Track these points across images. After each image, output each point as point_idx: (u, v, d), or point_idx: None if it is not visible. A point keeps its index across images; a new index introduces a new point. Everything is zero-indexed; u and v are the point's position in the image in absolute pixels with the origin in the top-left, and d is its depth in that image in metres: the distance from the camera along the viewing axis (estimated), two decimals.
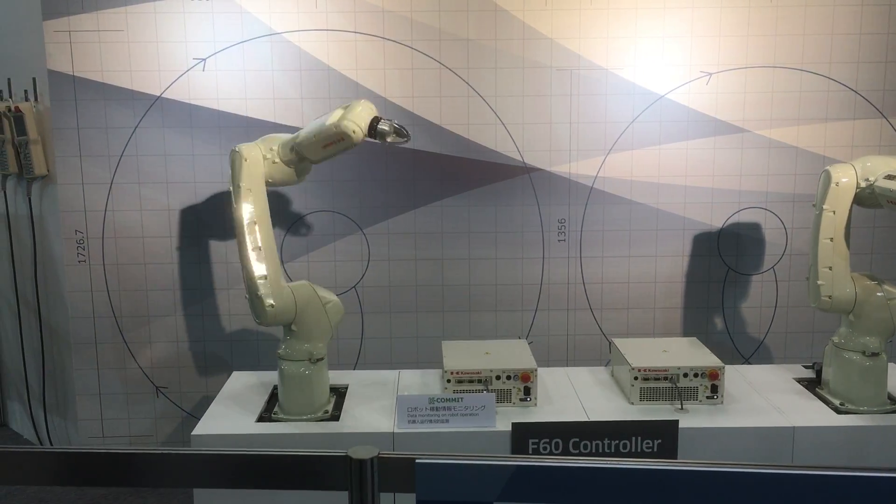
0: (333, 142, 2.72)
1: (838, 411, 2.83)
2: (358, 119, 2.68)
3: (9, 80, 3.75)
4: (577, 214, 3.59)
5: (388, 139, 2.73)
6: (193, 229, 3.56)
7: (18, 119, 3.61)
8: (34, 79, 3.62)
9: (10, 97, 3.75)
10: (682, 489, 1.36)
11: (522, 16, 3.44)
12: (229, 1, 3.40)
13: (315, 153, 2.78)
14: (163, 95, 3.44)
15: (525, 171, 3.55)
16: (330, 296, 2.88)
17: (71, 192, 3.51)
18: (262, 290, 2.73)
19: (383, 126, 2.71)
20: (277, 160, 2.81)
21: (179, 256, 3.58)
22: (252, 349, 3.64)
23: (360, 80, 3.46)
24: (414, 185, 3.55)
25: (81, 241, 3.54)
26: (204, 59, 3.44)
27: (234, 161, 2.77)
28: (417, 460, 1.37)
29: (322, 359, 2.84)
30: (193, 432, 2.76)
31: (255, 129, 3.43)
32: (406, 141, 2.79)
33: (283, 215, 3.53)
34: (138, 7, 3.38)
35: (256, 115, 3.46)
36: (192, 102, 3.46)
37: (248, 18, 3.41)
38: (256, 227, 2.75)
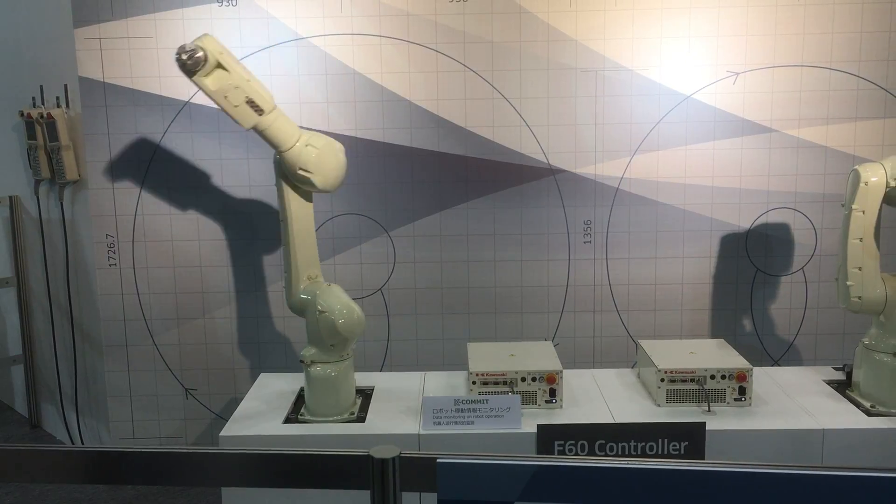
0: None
1: (869, 413, 2.79)
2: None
3: (41, 87, 3.82)
4: (602, 216, 3.58)
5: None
6: (221, 232, 3.60)
7: (50, 125, 3.68)
8: (65, 85, 3.69)
9: (43, 104, 3.82)
10: (704, 490, 1.35)
11: (546, 17, 3.44)
12: (256, 7, 3.43)
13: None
14: (191, 101, 3.49)
15: (550, 172, 3.55)
16: (333, 308, 2.78)
17: (102, 197, 3.57)
18: (285, 283, 2.94)
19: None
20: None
21: (208, 259, 3.61)
22: (280, 351, 3.67)
23: (385, 84, 3.48)
24: (439, 187, 3.57)
25: (112, 245, 3.60)
26: None
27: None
28: (439, 460, 1.38)
29: (304, 362, 2.85)
30: (221, 433, 2.79)
31: None
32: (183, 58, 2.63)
33: None
34: (166, 14, 3.43)
35: None
36: None
37: (275, 24, 3.45)
38: (285, 223, 2.89)
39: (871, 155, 3.49)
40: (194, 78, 2.66)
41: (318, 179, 2.81)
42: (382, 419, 2.85)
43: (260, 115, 2.73)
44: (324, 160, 2.81)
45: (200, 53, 2.62)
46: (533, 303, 3.65)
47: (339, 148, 2.88)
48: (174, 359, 3.68)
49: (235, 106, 2.70)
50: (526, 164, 3.54)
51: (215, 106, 3.47)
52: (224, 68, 2.68)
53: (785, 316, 3.66)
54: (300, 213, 2.89)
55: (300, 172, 2.79)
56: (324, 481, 1.51)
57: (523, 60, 3.47)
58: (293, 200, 2.88)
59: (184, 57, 2.62)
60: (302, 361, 2.85)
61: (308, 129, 3.43)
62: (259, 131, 2.78)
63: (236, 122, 2.74)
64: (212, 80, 2.68)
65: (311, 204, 2.94)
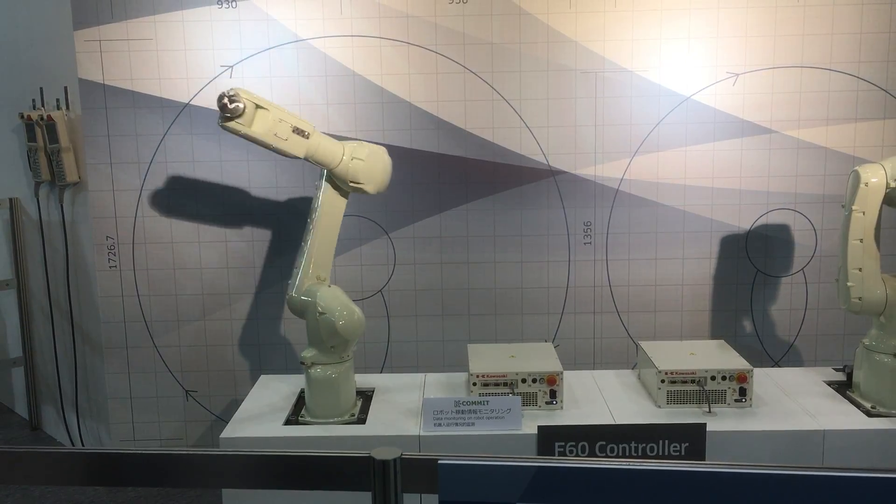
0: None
1: (869, 414, 2.79)
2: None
3: (41, 89, 3.82)
4: (602, 217, 3.58)
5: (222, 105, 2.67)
6: (221, 235, 3.60)
7: (50, 127, 3.68)
8: (65, 87, 3.69)
9: (43, 106, 3.82)
10: (705, 491, 1.35)
11: (546, 19, 3.44)
12: (256, 8, 3.44)
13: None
14: (191, 102, 3.49)
15: (550, 174, 3.55)
16: (334, 309, 2.77)
17: (102, 199, 3.57)
18: (291, 279, 2.93)
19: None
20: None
21: (208, 261, 3.61)
22: (280, 353, 3.67)
23: (385, 85, 3.48)
24: (439, 189, 3.57)
25: (112, 247, 3.60)
26: (231, 67, 3.48)
27: None
28: (440, 461, 1.38)
29: (304, 364, 2.85)
30: (222, 435, 2.79)
31: None
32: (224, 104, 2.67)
33: None
34: (166, 16, 3.44)
35: None
36: None
37: (275, 25, 3.45)
38: (309, 223, 2.94)
39: (870, 156, 3.49)
40: (236, 126, 2.68)
41: (370, 188, 2.91)
42: (383, 421, 2.85)
43: (307, 139, 2.79)
44: (372, 169, 2.89)
45: (241, 104, 2.66)
46: (533, 304, 3.65)
47: (383, 151, 2.95)
48: (174, 360, 3.68)
49: (285, 139, 2.75)
50: (526, 165, 3.54)
51: (214, 108, 3.49)
52: (263, 108, 2.73)
53: (785, 317, 3.66)
54: (332, 214, 2.94)
55: (353, 185, 2.89)
56: (325, 483, 1.51)
57: (523, 62, 3.47)
58: (331, 200, 2.92)
59: (225, 101, 2.65)
60: (302, 363, 2.86)
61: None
62: (309, 156, 2.82)
63: (289, 155, 2.79)
64: (258, 124, 2.72)
65: (344, 206, 2.98)
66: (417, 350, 3.68)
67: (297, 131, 2.76)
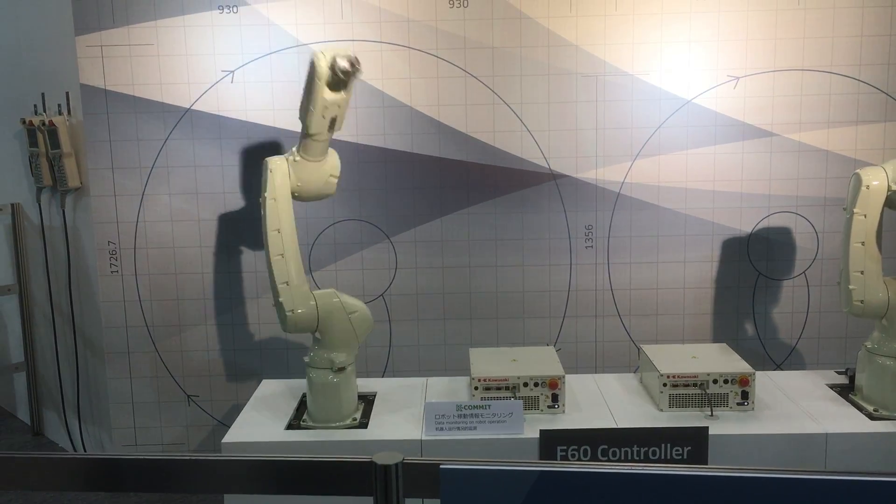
0: (309, 85, 2.77)
1: (872, 417, 2.79)
2: (326, 52, 2.76)
3: (42, 94, 3.83)
4: (604, 220, 3.58)
5: (345, 68, 2.72)
6: (223, 239, 3.60)
7: (52, 133, 3.68)
8: (67, 93, 3.69)
9: (44, 111, 3.82)
10: (707, 494, 1.35)
11: (547, 23, 3.44)
12: (257, 13, 3.44)
13: (305, 112, 2.82)
14: (192, 107, 3.49)
15: (551, 177, 3.55)
16: (357, 305, 2.90)
17: (104, 204, 3.57)
18: (283, 297, 2.79)
19: (341, 62, 2.72)
20: (299, 157, 2.85)
21: (209, 266, 3.62)
22: (281, 357, 3.67)
23: (386, 90, 3.48)
24: (440, 193, 3.57)
25: (114, 252, 3.60)
26: (232, 72, 3.48)
27: (263, 173, 2.83)
28: (442, 466, 1.38)
29: (344, 368, 2.85)
30: (224, 440, 2.79)
31: (282, 139, 3.47)
32: (355, 72, 2.76)
33: (310, 224, 3.56)
34: (168, 21, 3.44)
35: (284, 125, 3.49)
36: (221, 114, 3.51)
37: (275, 30, 3.45)
38: (280, 235, 2.80)
39: (872, 158, 3.49)
40: (326, 86, 2.74)
41: (312, 189, 2.88)
42: (384, 425, 2.85)
43: (329, 131, 2.83)
44: (328, 184, 2.93)
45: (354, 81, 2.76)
46: (535, 308, 3.65)
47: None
48: (176, 365, 3.68)
49: (322, 117, 2.78)
50: (527, 169, 3.54)
51: (216, 112, 3.50)
52: (347, 92, 2.80)
53: (787, 320, 3.66)
54: (292, 223, 2.86)
55: (331, 178, 2.90)
56: (327, 488, 1.51)
57: (524, 66, 3.47)
58: (290, 209, 2.85)
59: (354, 66, 2.72)
60: (343, 369, 2.85)
61: None
62: (309, 132, 2.80)
63: (307, 122, 2.79)
64: (331, 95, 2.76)
65: None
66: (419, 354, 3.68)
67: (332, 121, 2.81)
